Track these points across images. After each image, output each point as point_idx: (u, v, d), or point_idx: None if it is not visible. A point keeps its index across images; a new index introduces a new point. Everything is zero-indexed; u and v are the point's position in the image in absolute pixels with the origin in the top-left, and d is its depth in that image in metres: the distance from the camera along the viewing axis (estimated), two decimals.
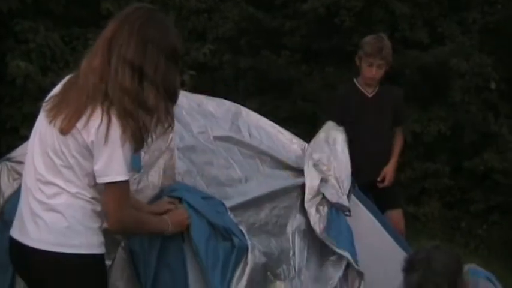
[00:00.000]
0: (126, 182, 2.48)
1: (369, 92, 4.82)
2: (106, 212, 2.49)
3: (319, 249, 3.58)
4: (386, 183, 4.69)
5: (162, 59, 2.48)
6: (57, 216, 2.46)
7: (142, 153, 2.98)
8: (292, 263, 3.37)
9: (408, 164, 6.80)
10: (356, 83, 4.86)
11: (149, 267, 2.86)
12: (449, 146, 7.41)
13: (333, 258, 3.48)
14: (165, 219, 2.73)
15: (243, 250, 2.92)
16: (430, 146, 7.24)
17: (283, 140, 3.73)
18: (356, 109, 4.78)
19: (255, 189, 3.33)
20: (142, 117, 2.44)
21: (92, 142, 2.40)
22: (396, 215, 4.67)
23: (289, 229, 3.46)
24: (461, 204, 6.76)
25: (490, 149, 7.06)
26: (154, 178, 3.06)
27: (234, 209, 3.09)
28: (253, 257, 2.93)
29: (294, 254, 3.41)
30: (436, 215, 6.56)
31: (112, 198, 2.46)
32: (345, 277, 3.48)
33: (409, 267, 3.06)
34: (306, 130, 5.24)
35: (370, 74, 4.70)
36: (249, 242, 2.95)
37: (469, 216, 6.55)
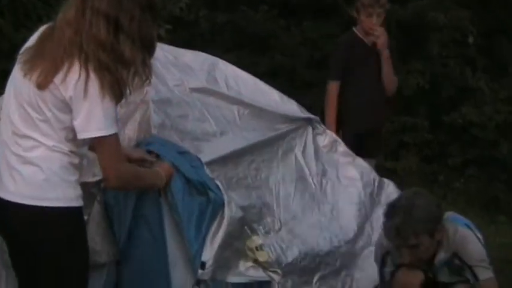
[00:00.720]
0: (113, 136, 2.43)
1: (370, 41, 4.86)
2: (104, 170, 2.46)
3: (310, 196, 3.62)
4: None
5: (138, 10, 2.42)
6: (34, 170, 2.42)
7: (118, 107, 2.92)
8: (276, 215, 3.36)
9: (387, 118, 6.77)
10: (356, 32, 4.91)
11: (125, 220, 2.85)
12: (428, 100, 7.43)
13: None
14: (159, 172, 2.72)
15: (219, 204, 2.90)
16: (409, 100, 7.23)
17: (263, 88, 3.70)
18: (358, 57, 4.84)
19: (230, 143, 3.30)
20: (120, 70, 2.39)
21: (71, 97, 2.36)
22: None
23: (272, 181, 3.45)
24: (439, 158, 6.78)
25: (468, 103, 7.10)
26: (130, 131, 3.02)
27: (209, 163, 3.05)
28: (230, 211, 2.91)
29: (278, 206, 3.40)
30: (415, 168, 6.57)
31: (106, 155, 2.44)
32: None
33: (390, 212, 3.05)
34: (284, 85, 5.19)
35: (370, 24, 4.75)
36: (225, 197, 2.93)
37: (447, 170, 6.58)
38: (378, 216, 3.98)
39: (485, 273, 3.09)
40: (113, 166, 2.44)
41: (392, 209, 3.06)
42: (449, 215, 3.17)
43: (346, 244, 3.68)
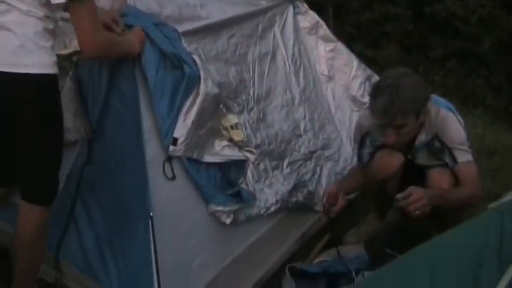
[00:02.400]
0: (90, 1, 2.38)
1: None
2: (82, 39, 2.40)
3: (282, 76, 3.57)
4: None
5: None
6: (8, 35, 2.39)
7: None
8: (251, 93, 3.31)
9: (368, 5, 6.66)
10: None
11: (99, 96, 2.75)
12: None
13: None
14: (131, 40, 2.63)
15: (194, 79, 2.79)
16: None
17: None
18: None
19: (210, 16, 3.20)
20: None
21: None
22: None
23: (250, 58, 3.38)
24: (420, 49, 6.70)
25: None
26: (104, 1, 2.85)
27: (188, 35, 2.95)
28: (205, 87, 2.82)
29: (253, 84, 3.34)
30: (395, 58, 6.48)
31: (83, 22, 2.37)
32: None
33: (376, 92, 2.98)
34: None
35: None
36: (201, 72, 2.82)
37: (427, 62, 6.51)
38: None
39: (465, 156, 3.06)
40: (90, 34, 2.38)
41: (378, 89, 2.99)
42: (431, 97, 3.11)
43: (315, 130, 3.70)
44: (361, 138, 3.35)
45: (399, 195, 2.84)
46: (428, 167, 3.14)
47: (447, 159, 3.08)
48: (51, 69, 2.47)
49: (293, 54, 3.71)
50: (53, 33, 2.47)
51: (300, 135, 3.55)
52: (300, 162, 3.48)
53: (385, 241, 3.15)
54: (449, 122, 3.07)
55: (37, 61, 2.42)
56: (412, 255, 1.95)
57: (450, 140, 3.06)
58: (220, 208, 2.91)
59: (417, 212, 2.81)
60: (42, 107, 2.48)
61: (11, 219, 2.78)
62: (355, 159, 3.57)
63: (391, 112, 2.92)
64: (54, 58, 2.49)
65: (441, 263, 1.84)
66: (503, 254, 1.77)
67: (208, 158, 2.89)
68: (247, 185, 3.04)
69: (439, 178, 3.08)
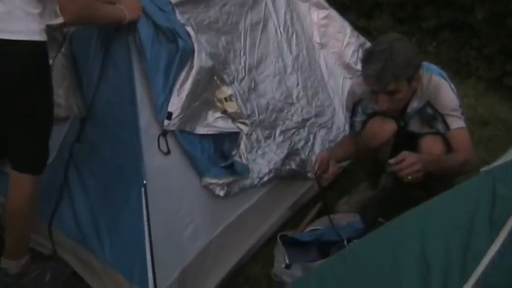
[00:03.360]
0: None
1: None
2: (61, 2, 2.39)
3: (274, 45, 3.55)
4: None
5: None
6: None
7: None
8: (242, 63, 3.29)
9: None
10: None
11: (94, 67, 2.75)
12: None
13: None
14: (119, 7, 2.60)
15: (188, 53, 2.79)
16: None
17: None
18: None
19: None
20: None
21: None
22: None
23: (241, 27, 3.36)
24: (413, 19, 6.64)
25: None
26: None
27: (180, 4, 2.94)
28: (199, 61, 2.82)
29: (244, 53, 3.33)
30: (387, 29, 6.41)
31: None
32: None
33: (369, 58, 2.97)
34: None
35: None
36: (195, 45, 2.81)
37: (420, 33, 6.45)
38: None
39: (457, 123, 3.05)
40: (70, 1, 2.37)
41: (371, 54, 2.97)
42: (424, 63, 3.09)
43: (308, 98, 3.69)
44: (353, 107, 3.35)
45: (392, 160, 2.82)
46: (420, 134, 3.13)
47: (439, 126, 3.07)
48: (39, 37, 2.45)
49: (285, 22, 3.68)
50: (40, 0, 2.45)
51: (292, 103, 3.55)
52: (293, 130, 3.48)
53: (378, 209, 3.17)
54: (442, 88, 3.05)
55: (24, 28, 2.41)
56: (403, 218, 1.97)
57: (442, 106, 3.05)
58: (214, 181, 2.92)
59: (410, 177, 2.78)
60: (29, 74, 2.47)
61: (3, 188, 2.80)
62: (347, 127, 3.57)
63: (384, 77, 2.90)
64: (43, 25, 2.47)
65: (432, 226, 1.86)
66: (494, 218, 1.77)
67: (200, 130, 2.89)
68: (240, 157, 3.05)
69: (431, 145, 3.07)
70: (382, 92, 2.97)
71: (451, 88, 3.08)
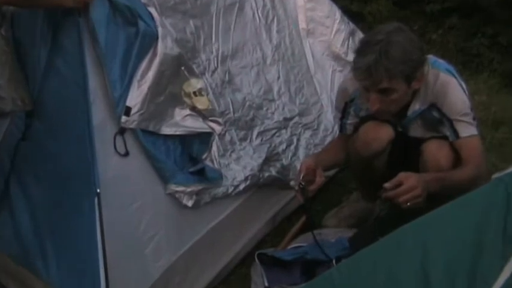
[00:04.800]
0: None
1: None
2: None
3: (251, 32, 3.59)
4: None
5: None
6: None
7: None
8: (214, 52, 3.31)
9: None
10: None
11: (41, 54, 2.75)
12: None
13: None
14: None
15: (151, 38, 2.81)
16: None
17: None
18: None
19: None
20: None
21: None
22: None
23: (213, 9, 3.38)
24: (415, 3, 6.69)
25: None
26: None
27: None
28: (164, 47, 2.84)
29: (217, 40, 3.35)
30: (386, 14, 6.45)
31: None
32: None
33: (362, 49, 2.96)
34: None
35: None
36: (159, 29, 2.83)
37: (424, 18, 6.49)
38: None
39: (468, 129, 3.01)
40: None
41: (365, 45, 2.97)
42: (429, 57, 3.08)
43: (291, 94, 3.72)
44: (344, 106, 3.34)
45: (387, 184, 2.80)
46: (423, 139, 3.12)
47: (447, 133, 3.06)
48: None
49: (264, 4, 3.71)
50: None
51: (272, 100, 3.57)
52: (273, 131, 3.50)
53: (372, 240, 3.16)
54: (451, 88, 3.02)
55: None
56: (400, 231, 1.98)
57: (451, 110, 3.02)
58: (181, 188, 2.94)
59: (408, 204, 2.77)
60: None
61: None
62: (337, 128, 3.54)
63: (376, 72, 2.88)
64: None
65: (434, 239, 1.87)
66: (509, 233, 1.76)
67: (166, 130, 2.90)
68: (212, 161, 3.07)
69: (436, 153, 3.06)
70: (373, 89, 2.96)
71: (462, 88, 3.04)
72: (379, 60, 2.87)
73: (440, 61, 3.13)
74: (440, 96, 3.03)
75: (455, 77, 3.06)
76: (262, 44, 3.63)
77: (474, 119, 3.06)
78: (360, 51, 2.97)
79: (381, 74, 2.89)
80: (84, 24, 2.68)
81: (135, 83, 2.77)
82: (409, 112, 3.11)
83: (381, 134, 3.23)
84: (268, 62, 3.63)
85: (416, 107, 3.09)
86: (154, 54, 2.81)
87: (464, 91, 3.05)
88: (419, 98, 3.07)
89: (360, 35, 4.20)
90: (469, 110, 3.05)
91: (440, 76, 3.04)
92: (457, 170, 2.99)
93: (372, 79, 2.92)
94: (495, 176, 1.97)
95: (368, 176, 3.41)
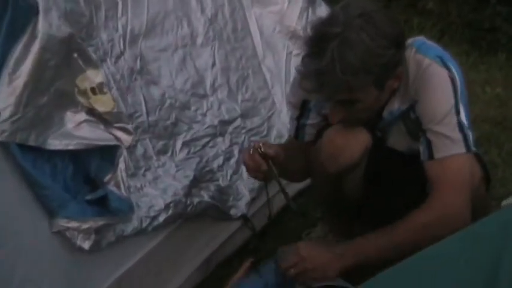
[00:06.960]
0: None
1: None
2: None
3: None
4: None
5: None
6: None
7: None
8: (120, 29, 3.33)
9: None
10: None
11: None
12: None
13: None
14: None
15: (26, 11, 2.79)
16: None
17: None
18: None
19: None
20: None
21: None
22: None
23: None
24: None
25: None
26: None
27: None
28: (47, 26, 2.82)
29: (125, 12, 3.39)
30: None
31: None
32: None
33: (313, 45, 2.82)
34: None
35: None
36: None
37: None
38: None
39: (447, 147, 2.88)
40: None
41: (317, 40, 2.82)
42: (415, 40, 2.99)
43: (230, 87, 3.75)
44: (302, 104, 3.29)
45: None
46: (403, 154, 3.07)
47: (420, 147, 2.96)
48: None
49: None
50: None
51: (204, 96, 3.60)
52: (205, 140, 3.54)
53: None
54: (435, 82, 2.91)
55: None
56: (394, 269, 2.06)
57: (426, 113, 2.92)
58: (73, 224, 2.91)
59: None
60: None
61: None
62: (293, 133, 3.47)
63: (328, 84, 2.80)
64: None
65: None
66: None
67: (54, 143, 2.88)
68: (118, 185, 3.07)
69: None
70: (329, 101, 2.93)
71: (452, 82, 2.91)
72: (333, 68, 2.75)
73: (429, 44, 3.04)
74: (420, 91, 2.93)
75: (448, 69, 2.92)
76: (190, 17, 3.68)
77: (461, 127, 2.89)
78: (308, 48, 2.86)
79: (335, 86, 2.80)
80: None
81: (4, 77, 2.75)
82: (385, 113, 3.04)
83: (353, 142, 3.14)
84: (199, 42, 3.68)
85: (394, 106, 3.03)
86: (33, 36, 2.80)
87: (455, 87, 2.91)
88: (399, 94, 3.00)
89: (322, 4, 4.29)
90: (453, 113, 2.89)
91: (424, 64, 2.93)
92: (410, 216, 2.87)
93: (324, 93, 2.87)
94: (505, 202, 2.10)
95: (339, 200, 3.39)
